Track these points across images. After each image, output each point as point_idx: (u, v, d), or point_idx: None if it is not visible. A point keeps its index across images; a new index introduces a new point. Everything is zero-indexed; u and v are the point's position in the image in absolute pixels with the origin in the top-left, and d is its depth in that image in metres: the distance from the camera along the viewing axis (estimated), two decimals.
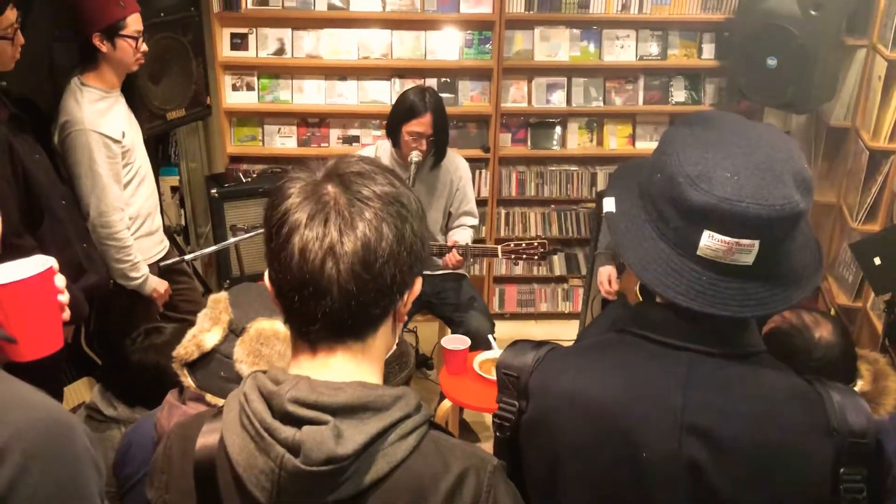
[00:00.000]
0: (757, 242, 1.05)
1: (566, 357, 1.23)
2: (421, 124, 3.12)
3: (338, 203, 0.92)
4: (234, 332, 1.59)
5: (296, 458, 0.90)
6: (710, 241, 1.06)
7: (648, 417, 1.11)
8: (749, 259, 1.06)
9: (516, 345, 1.27)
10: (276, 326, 1.58)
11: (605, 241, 3.49)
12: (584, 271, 4.64)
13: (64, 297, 1.24)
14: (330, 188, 0.93)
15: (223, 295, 1.64)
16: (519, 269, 4.66)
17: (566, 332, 4.57)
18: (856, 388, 2.01)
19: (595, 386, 1.15)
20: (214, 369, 1.58)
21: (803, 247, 1.12)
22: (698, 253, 1.07)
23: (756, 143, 1.09)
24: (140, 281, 3.04)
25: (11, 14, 2.46)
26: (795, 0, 3.60)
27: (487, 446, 1.05)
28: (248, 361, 1.56)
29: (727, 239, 1.05)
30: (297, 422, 0.92)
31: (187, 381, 1.60)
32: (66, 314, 1.25)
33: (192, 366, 1.60)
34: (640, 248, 1.12)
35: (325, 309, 0.93)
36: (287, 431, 0.91)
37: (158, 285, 3.13)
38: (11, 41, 2.49)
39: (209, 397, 1.58)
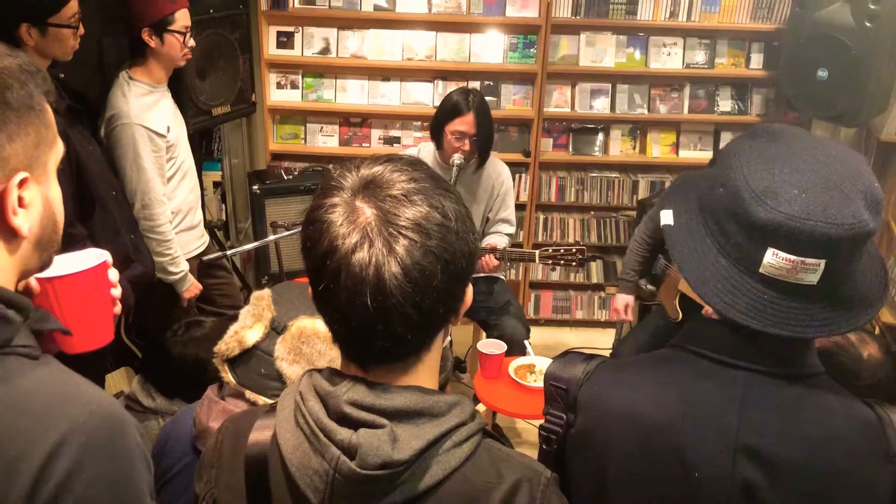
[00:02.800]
0: (823, 262, 1.02)
1: (617, 371, 1.20)
2: (464, 123, 3.11)
3: (377, 234, 0.88)
4: (276, 329, 1.59)
5: (351, 460, 0.89)
6: (774, 260, 1.03)
7: (701, 437, 1.08)
8: (814, 279, 1.03)
9: (566, 356, 1.25)
10: (317, 325, 1.58)
11: (629, 265, 3.42)
12: None
13: (117, 291, 1.25)
14: (369, 217, 0.89)
15: (266, 292, 1.65)
16: (555, 275, 4.63)
17: (601, 341, 4.53)
18: None
19: (647, 403, 1.12)
20: (255, 366, 1.59)
21: (868, 267, 1.09)
22: (761, 270, 1.04)
23: (824, 159, 1.05)
24: (178, 276, 3.07)
25: (75, 3, 2.51)
26: (850, 11, 3.53)
27: (520, 451, 1.03)
28: (289, 359, 1.56)
29: (792, 257, 1.02)
30: (354, 424, 0.91)
31: (227, 376, 1.61)
32: (118, 308, 1.26)
33: (233, 362, 1.61)
34: (700, 263, 1.09)
35: (374, 344, 0.91)
36: (343, 433, 0.91)
37: (194, 286, 3.16)
38: (75, 30, 2.53)
39: (248, 394, 1.59)
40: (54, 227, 1.01)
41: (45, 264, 1.03)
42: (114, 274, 1.24)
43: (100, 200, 2.66)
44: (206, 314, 3.36)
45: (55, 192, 1.01)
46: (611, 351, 4.33)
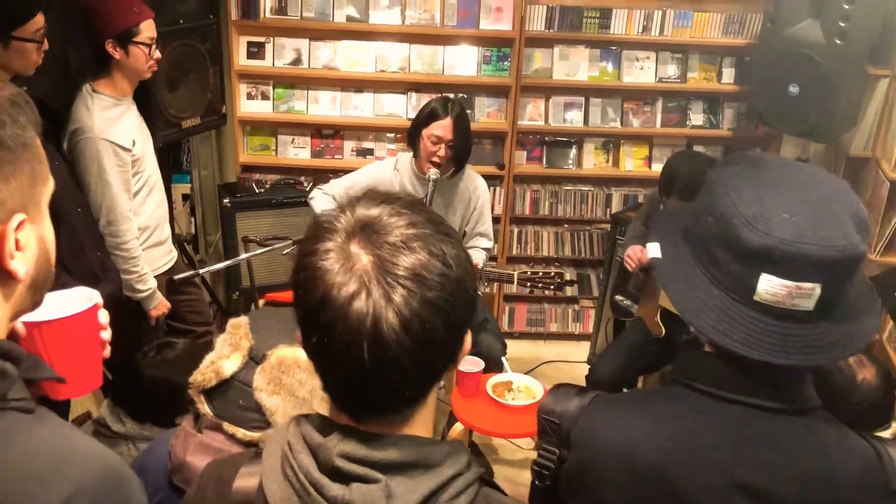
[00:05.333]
0: (818, 286, 1.00)
1: (612, 407, 1.18)
2: (441, 127, 3.08)
3: (375, 284, 0.83)
4: (254, 359, 1.54)
5: None
6: (769, 286, 1.01)
7: (697, 475, 1.06)
8: (809, 304, 1.01)
9: (559, 389, 1.22)
10: (297, 354, 1.54)
11: (632, 234, 3.44)
12: (595, 292, 4.59)
13: (107, 334, 1.19)
14: (366, 264, 0.84)
15: (243, 320, 1.60)
16: (525, 289, 4.60)
17: (576, 354, 4.53)
18: (890, 431, 1.96)
19: (641, 439, 1.10)
20: (233, 397, 1.53)
21: (858, 291, 1.08)
22: (755, 298, 1.02)
23: (808, 182, 1.05)
24: (146, 294, 2.99)
25: (41, 18, 2.43)
26: (820, 28, 3.56)
27: (497, 469, 0.99)
28: (269, 390, 1.51)
29: (787, 283, 1.00)
30: (346, 478, 0.87)
31: (204, 408, 1.55)
32: (107, 351, 1.21)
33: (210, 393, 1.55)
34: (692, 293, 1.07)
35: (369, 396, 0.87)
36: (336, 489, 0.86)
37: (162, 304, 3.07)
38: (38, 45, 2.45)
39: (226, 426, 1.53)
40: (48, 266, 0.96)
41: (36, 305, 0.98)
42: (104, 316, 1.19)
43: (65, 217, 2.57)
44: (176, 332, 3.28)
45: (49, 231, 0.96)
46: (586, 363, 4.34)
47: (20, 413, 0.86)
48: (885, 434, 2.03)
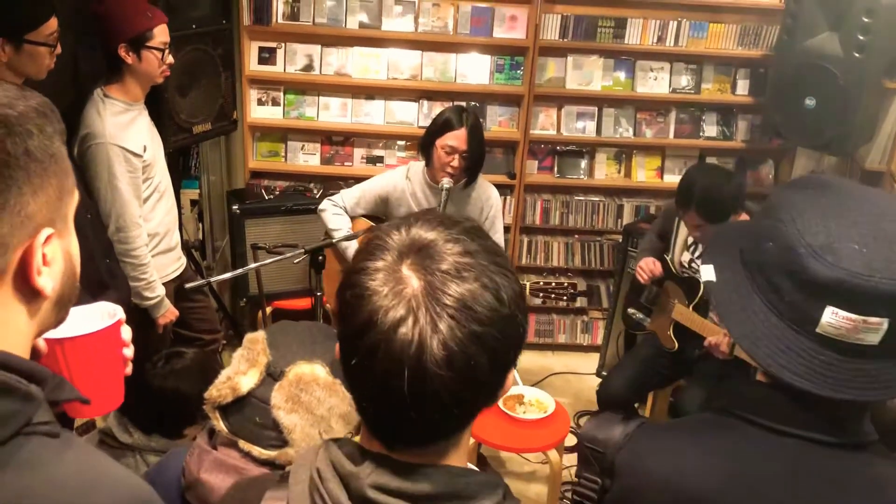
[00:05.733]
0: (886, 321, 0.95)
1: (658, 436, 1.13)
2: (455, 138, 3.04)
3: (424, 312, 0.79)
4: (272, 375, 1.50)
5: None
6: (834, 319, 0.96)
7: None
8: (875, 339, 0.96)
9: (601, 416, 1.18)
10: (316, 371, 1.50)
11: (644, 246, 3.40)
12: (605, 304, 4.54)
13: (129, 351, 1.16)
14: (416, 290, 0.80)
15: (261, 335, 1.56)
16: (538, 300, 4.56)
17: (585, 366, 4.49)
18: None
19: (690, 471, 1.05)
20: (249, 414, 1.49)
21: None
22: (818, 330, 0.98)
23: (880, 211, 1.00)
24: (154, 301, 2.95)
25: (54, 21, 2.40)
26: (838, 41, 3.52)
27: (506, 482, 0.94)
28: (286, 408, 1.47)
29: (853, 316, 0.95)
30: None
31: (219, 424, 1.51)
32: (129, 369, 1.17)
33: (226, 409, 1.51)
34: (750, 322, 1.02)
35: (404, 427, 0.84)
36: None
37: (170, 312, 3.03)
38: (52, 49, 2.42)
39: (242, 443, 1.49)
40: (74, 282, 0.93)
41: (61, 322, 0.94)
42: (126, 332, 1.15)
43: (74, 223, 2.53)
44: (183, 339, 3.25)
45: (75, 245, 0.93)
46: (595, 375, 4.30)
47: (46, 438, 0.83)
48: None
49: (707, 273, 1.09)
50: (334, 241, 3.00)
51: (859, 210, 1.00)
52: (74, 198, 0.92)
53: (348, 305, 0.83)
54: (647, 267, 3.22)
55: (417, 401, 0.80)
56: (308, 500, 0.88)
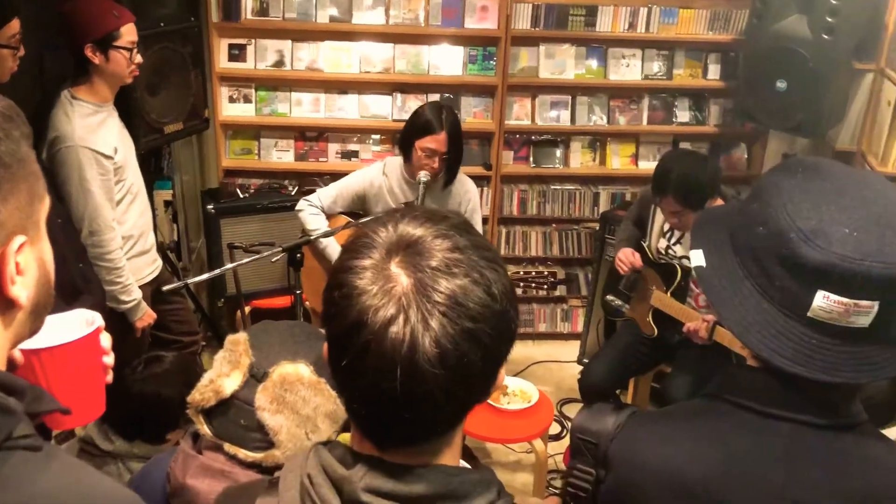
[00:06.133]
0: (876, 304, 0.96)
1: (651, 424, 1.13)
2: (435, 141, 3.03)
3: (415, 310, 0.78)
4: (256, 376, 1.48)
5: None
6: (825, 303, 0.97)
7: (746, 494, 1.02)
8: (865, 321, 0.97)
9: (593, 407, 1.17)
10: (300, 370, 1.48)
11: (621, 235, 3.41)
12: (584, 292, 4.56)
13: (109, 359, 1.13)
14: (406, 287, 0.79)
15: (242, 336, 1.54)
16: (518, 289, 4.58)
17: (565, 353, 4.50)
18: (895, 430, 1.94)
19: (685, 459, 1.06)
20: (233, 417, 1.47)
21: None
22: (809, 314, 0.98)
23: (870, 195, 1.00)
24: (131, 305, 2.91)
25: (16, 24, 2.35)
26: (807, 23, 3.55)
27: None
28: (271, 409, 1.45)
29: (845, 300, 0.96)
30: None
31: (203, 428, 1.49)
32: (110, 377, 1.14)
33: (209, 412, 1.49)
34: (741, 307, 1.02)
35: (397, 427, 0.83)
36: None
37: (147, 316, 2.99)
38: (14, 51, 2.37)
39: (227, 446, 1.47)
40: (49, 290, 0.91)
41: (36, 331, 0.92)
42: (106, 340, 1.12)
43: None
44: (162, 342, 3.21)
45: (48, 252, 0.90)
46: (576, 363, 4.32)
47: (28, 452, 0.80)
48: (892, 431, 2.02)
49: (696, 258, 1.08)
50: (312, 237, 2.98)
51: (850, 194, 1.00)
52: (46, 203, 0.89)
53: (336, 305, 0.81)
54: (626, 259, 3.23)
55: (411, 400, 0.79)
56: None
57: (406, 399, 0.78)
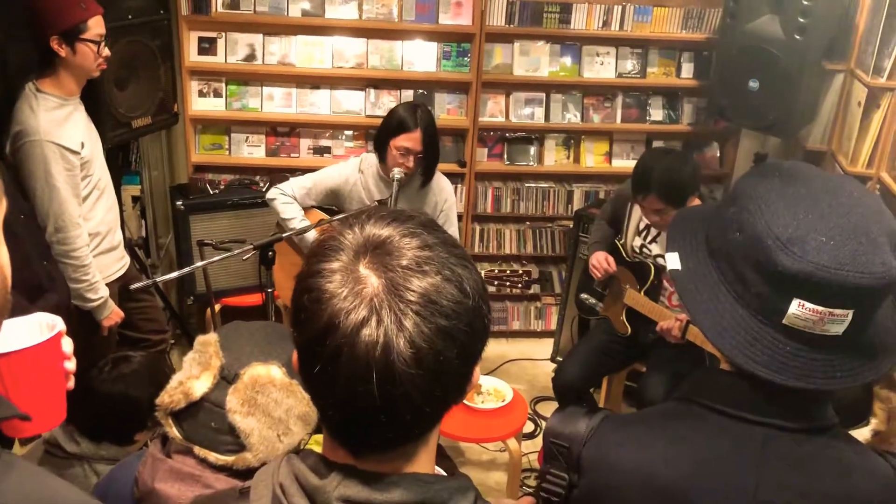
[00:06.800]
0: (851, 312, 0.96)
1: (623, 427, 1.12)
2: (410, 140, 3.00)
3: (387, 311, 0.76)
4: (226, 378, 1.45)
5: None
6: (800, 311, 0.96)
7: (719, 497, 1.01)
8: (839, 329, 0.97)
9: (565, 411, 1.16)
10: (272, 372, 1.45)
11: (595, 236, 3.40)
12: (558, 289, 4.56)
13: (71, 364, 1.09)
14: (377, 288, 0.77)
15: (213, 337, 1.50)
16: (493, 287, 4.56)
17: (539, 351, 4.50)
18: (869, 428, 1.96)
19: (658, 462, 1.04)
20: (204, 419, 1.44)
21: (885, 311, 1.04)
22: (784, 321, 0.98)
23: (847, 202, 0.99)
24: (98, 303, 2.85)
25: None
26: (779, 23, 3.57)
27: (465, 471, 0.92)
28: (243, 412, 1.42)
29: (819, 308, 0.95)
30: None
31: (173, 431, 1.46)
32: (71, 383, 1.10)
33: (178, 415, 1.46)
34: (716, 312, 1.02)
35: (373, 433, 0.80)
36: None
37: (115, 314, 2.93)
38: None
39: (197, 450, 1.44)
40: (6, 294, 0.87)
41: None
42: (67, 344, 1.08)
43: (6, 226, 2.42)
44: (129, 341, 3.15)
45: (5, 255, 0.87)
46: (550, 360, 4.31)
47: None
48: (865, 431, 2.03)
49: (672, 261, 1.07)
50: (284, 235, 2.93)
51: (826, 201, 0.99)
52: (3, 205, 0.85)
53: (306, 310, 0.79)
54: (600, 266, 3.23)
55: (388, 403, 0.76)
56: None
57: (383, 403, 0.76)
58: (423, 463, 0.86)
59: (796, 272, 0.94)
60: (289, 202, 3.18)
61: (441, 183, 3.27)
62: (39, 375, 1.03)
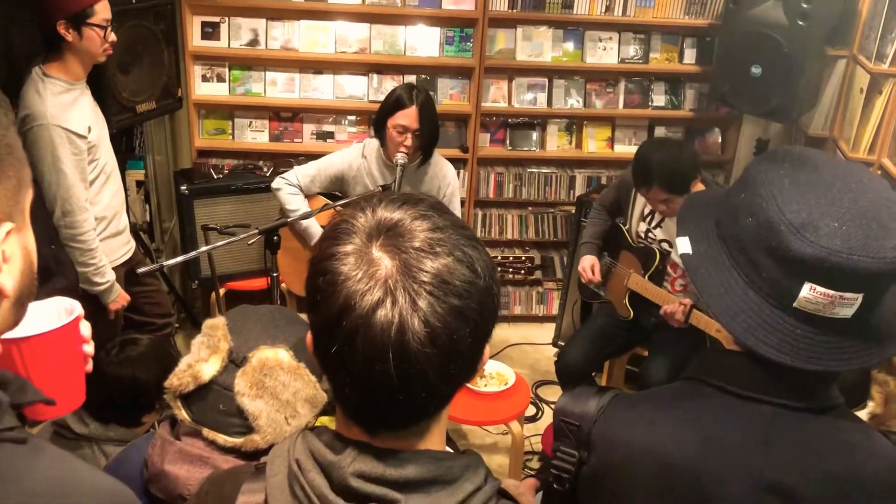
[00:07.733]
0: (860, 296, 0.98)
1: (633, 406, 1.15)
2: (406, 116, 3.00)
3: (401, 292, 0.78)
4: (235, 361, 1.47)
5: None
6: (811, 294, 0.98)
7: (726, 475, 1.04)
8: (849, 313, 0.99)
9: (575, 390, 1.19)
10: (279, 355, 1.48)
11: (590, 231, 3.42)
12: (559, 274, 4.58)
13: (89, 348, 1.11)
14: (391, 269, 0.79)
15: (221, 320, 1.52)
16: None
17: (541, 336, 4.53)
18: (867, 411, 1.98)
19: (667, 440, 1.07)
20: (212, 402, 1.47)
21: (893, 294, 1.06)
22: (795, 305, 1.00)
23: (858, 187, 1.01)
24: (104, 287, 2.87)
25: None
26: (782, 9, 3.58)
27: None
28: (251, 394, 1.45)
29: (830, 292, 0.97)
30: (361, 498, 0.82)
31: (182, 413, 1.48)
32: (90, 366, 1.13)
33: (187, 398, 1.48)
34: (727, 296, 1.04)
35: (388, 411, 0.83)
36: None
37: (121, 297, 2.96)
38: None
39: (206, 432, 1.47)
40: (32, 279, 0.88)
41: (19, 321, 0.89)
42: (86, 328, 1.10)
43: None
44: (135, 324, 3.18)
45: (31, 240, 0.89)
46: (552, 345, 4.34)
47: (13, 445, 0.79)
48: (862, 413, 2.06)
49: (683, 245, 1.09)
50: (289, 220, 2.95)
51: (837, 186, 1.01)
52: (31, 191, 0.88)
53: (321, 292, 0.81)
54: (585, 274, 3.28)
55: (403, 382, 0.79)
56: (287, 492, 0.86)
57: (399, 381, 0.78)
58: (436, 440, 0.89)
59: (809, 257, 0.96)
60: (293, 192, 3.19)
61: (444, 168, 3.28)
62: (60, 359, 1.05)
